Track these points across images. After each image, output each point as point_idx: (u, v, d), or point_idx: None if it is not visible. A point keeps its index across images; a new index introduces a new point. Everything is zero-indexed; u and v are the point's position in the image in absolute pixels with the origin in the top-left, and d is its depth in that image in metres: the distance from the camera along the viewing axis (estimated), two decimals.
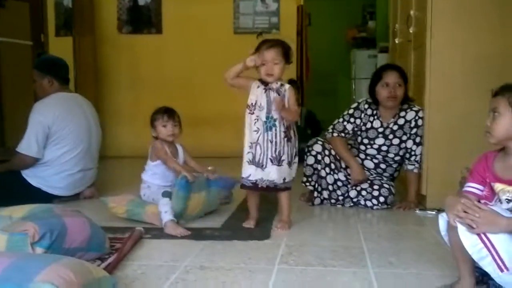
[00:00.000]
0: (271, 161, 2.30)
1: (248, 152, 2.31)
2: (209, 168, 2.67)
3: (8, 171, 2.98)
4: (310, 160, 2.92)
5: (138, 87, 5.52)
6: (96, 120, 3.24)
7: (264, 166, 2.30)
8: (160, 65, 5.50)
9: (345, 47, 8.48)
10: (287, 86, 2.35)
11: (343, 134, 2.94)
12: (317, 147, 2.91)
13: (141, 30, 5.55)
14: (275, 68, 2.28)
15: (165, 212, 2.34)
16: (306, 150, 2.95)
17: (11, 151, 3.08)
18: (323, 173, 2.90)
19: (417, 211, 2.74)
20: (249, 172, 2.32)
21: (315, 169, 2.91)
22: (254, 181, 2.32)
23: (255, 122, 2.31)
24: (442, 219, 1.51)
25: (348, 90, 7.90)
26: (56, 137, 2.98)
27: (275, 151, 2.30)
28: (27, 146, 2.93)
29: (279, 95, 2.31)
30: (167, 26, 5.51)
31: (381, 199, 2.80)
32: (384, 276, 1.74)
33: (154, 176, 2.58)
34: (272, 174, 2.30)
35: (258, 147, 2.30)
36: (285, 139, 2.32)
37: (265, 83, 2.33)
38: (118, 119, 5.44)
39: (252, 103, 2.33)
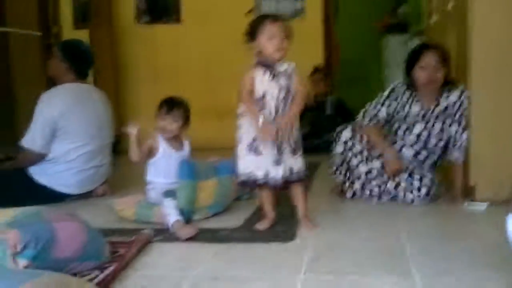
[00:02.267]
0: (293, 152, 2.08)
1: (274, 148, 2.04)
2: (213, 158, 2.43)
3: (13, 170, 2.79)
4: (339, 148, 2.61)
5: (158, 79, 5.30)
6: (108, 114, 3.00)
7: (287, 160, 2.07)
8: (180, 55, 5.26)
9: (376, 33, 8.11)
10: (293, 64, 2.08)
11: (376, 120, 2.61)
12: (347, 133, 2.60)
13: (159, 19, 5.32)
14: (285, 43, 2.00)
15: (169, 214, 2.10)
16: (334, 137, 2.65)
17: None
18: (354, 162, 2.59)
19: (465, 205, 2.40)
20: (276, 172, 2.06)
21: (345, 157, 2.60)
22: (278, 179, 2.06)
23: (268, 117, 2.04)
24: None
25: (379, 77, 7.55)
26: (63, 131, 2.76)
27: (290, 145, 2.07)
28: (31, 140, 2.72)
29: (288, 79, 2.05)
30: (186, 14, 5.26)
31: (423, 190, 2.47)
32: (434, 286, 1.43)
33: (157, 173, 2.34)
34: (299, 163, 2.09)
35: (283, 141, 2.06)
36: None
37: (269, 67, 2.03)
38: (137, 112, 5.23)
39: (259, 97, 2.04)
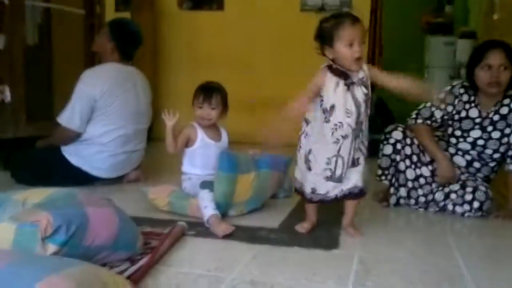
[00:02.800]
0: (349, 167, 1.88)
1: (326, 169, 1.85)
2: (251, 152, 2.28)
3: (49, 148, 2.73)
4: (388, 149, 2.44)
5: (197, 66, 5.20)
6: (148, 99, 2.91)
7: (345, 177, 1.88)
8: (221, 43, 5.15)
9: (418, 33, 7.82)
10: (365, 67, 1.81)
11: (429, 122, 2.43)
12: (397, 134, 2.43)
13: (201, 6, 5.22)
14: (363, 49, 1.76)
15: (205, 207, 1.99)
16: (383, 137, 2.48)
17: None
18: (402, 166, 2.42)
19: None
20: (327, 189, 1.89)
21: (393, 160, 2.44)
22: (331, 196, 1.90)
23: (333, 132, 1.80)
24: None
25: (419, 79, 7.27)
26: (101, 112, 2.68)
27: (351, 157, 1.87)
28: (69, 118, 2.65)
29: (366, 89, 1.81)
30: (229, 2, 5.14)
31: (475, 204, 2.28)
32: None
33: (193, 164, 2.23)
34: (353, 179, 1.88)
35: (340, 160, 1.84)
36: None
37: (344, 75, 1.78)
38: (175, 99, 5.12)
39: (327, 108, 1.80)
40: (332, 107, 1.78)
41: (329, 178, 1.86)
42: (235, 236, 1.86)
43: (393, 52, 7.46)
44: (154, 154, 3.34)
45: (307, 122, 1.88)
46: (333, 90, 1.78)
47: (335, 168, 1.84)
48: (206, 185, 2.08)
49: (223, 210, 2.07)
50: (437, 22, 7.72)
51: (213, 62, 5.13)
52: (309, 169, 1.87)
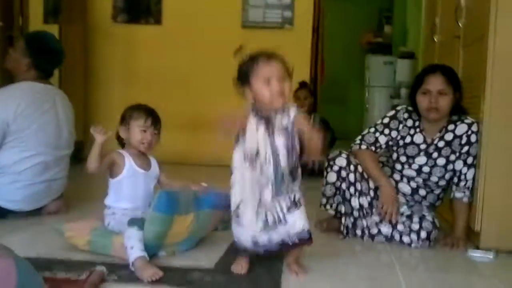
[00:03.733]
0: (288, 210, 1.71)
1: (258, 221, 1.69)
2: (203, 184, 2.07)
3: None
4: (332, 177, 2.30)
5: (133, 84, 4.92)
6: (70, 121, 2.63)
7: (283, 223, 1.70)
8: (158, 60, 4.90)
9: (359, 52, 7.95)
10: (292, 108, 1.66)
11: (373, 148, 2.32)
12: (341, 161, 2.29)
13: (138, 19, 4.96)
14: (285, 87, 1.62)
15: (131, 247, 1.74)
16: (326, 164, 2.34)
17: None
18: (347, 195, 2.28)
19: (469, 252, 2.12)
20: (269, 237, 1.71)
21: (338, 188, 2.29)
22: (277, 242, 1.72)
23: (258, 179, 1.66)
24: None
25: (360, 98, 7.39)
26: (15, 137, 2.38)
27: (289, 199, 1.71)
28: None
29: (287, 131, 1.65)
30: (168, 16, 4.92)
31: (423, 234, 2.18)
32: None
33: (119, 196, 1.98)
34: (298, 222, 1.71)
35: (268, 212, 1.70)
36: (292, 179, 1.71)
37: (265, 119, 1.65)
38: (108, 119, 4.81)
39: (251, 154, 1.65)
40: (257, 153, 1.64)
41: (262, 229, 1.69)
42: (164, 281, 1.64)
43: (335, 71, 7.51)
44: (81, 179, 3.03)
45: (232, 171, 1.72)
46: (254, 132, 1.65)
47: (265, 218, 1.68)
48: (134, 222, 1.84)
49: (152, 252, 1.83)
50: (377, 41, 7.88)
51: (149, 80, 4.88)
52: (241, 224, 1.71)
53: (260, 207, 1.67)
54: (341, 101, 8.15)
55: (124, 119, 2.01)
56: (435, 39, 3.12)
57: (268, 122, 1.64)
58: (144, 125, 1.98)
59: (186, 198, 1.94)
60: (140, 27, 4.95)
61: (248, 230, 1.70)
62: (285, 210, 1.69)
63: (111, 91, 4.94)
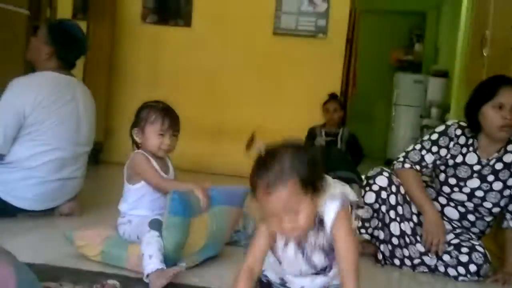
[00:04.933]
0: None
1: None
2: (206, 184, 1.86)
3: None
4: (370, 197, 2.07)
5: (157, 85, 4.77)
6: (91, 116, 2.46)
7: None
8: (184, 62, 4.75)
9: (388, 70, 7.74)
10: (328, 215, 1.20)
11: (418, 167, 2.08)
12: (382, 180, 2.06)
13: (167, 20, 4.83)
14: (299, 220, 1.14)
15: (150, 257, 1.56)
16: (365, 183, 2.12)
17: None
18: (386, 219, 2.05)
19: None
20: (301, 284, 1.32)
21: (376, 210, 2.07)
22: None
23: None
24: None
25: (386, 116, 7.17)
26: (32, 130, 2.22)
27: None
28: None
29: (323, 249, 1.24)
30: (198, 19, 4.77)
31: (472, 268, 1.93)
32: None
33: (138, 205, 1.80)
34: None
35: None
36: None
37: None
38: (128, 119, 4.68)
39: (275, 259, 1.30)
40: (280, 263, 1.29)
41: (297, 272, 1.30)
42: None
43: (362, 86, 7.29)
44: (97, 181, 2.87)
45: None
46: (283, 249, 1.27)
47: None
48: (156, 224, 1.66)
49: (172, 262, 1.65)
50: (407, 59, 7.68)
51: (174, 82, 4.72)
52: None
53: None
54: (367, 118, 7.91)
55: (138, 121, 1.83)
56: (485, 53, 2.90)
57: (299, 242, 1.25)
58: (161, 129, 1.79)
59: (195, 198, 1.76)
60: (169, 28, 4.81)
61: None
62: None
63: (135, 92, 4.79)
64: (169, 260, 1.62)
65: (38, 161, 2.22)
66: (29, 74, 2.38)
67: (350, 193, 1.25)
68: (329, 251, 1.23)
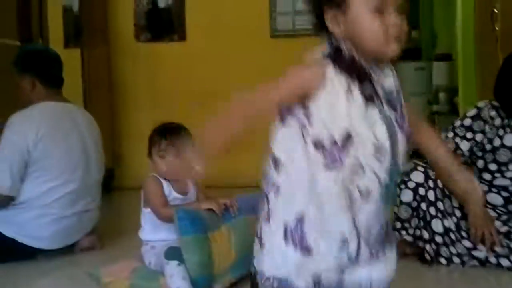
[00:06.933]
0: (373, 254, 0.98)
1: (339, 251, 0.95)
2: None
3: None
4: (407, 195, 1.94)
5: (160, 103, 4.67)
6: (97, 142, 2.34)
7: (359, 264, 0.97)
8: (184, 77, 4.65)
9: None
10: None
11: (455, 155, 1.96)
12: (417, 176, 1.93)
13: (161, 37, 4.74)
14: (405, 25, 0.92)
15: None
16: (399, 180, 1.99)
17: None
18: (427, 216, 1.92)
19: None
20: (339, 278, 0.97)
21: (415, 208, 1.94)
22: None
23: (346, 186, 0.92)
24: None
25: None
26: (38, 166, 2.11)
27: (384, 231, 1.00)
28: None
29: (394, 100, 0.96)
30: (192, 31, 4.68)
31: None
32: None
33: (156, 229, 1.70)
34: (389, 261, 1.01)
35: (357, 237, 0.95)
36: None
37: (361, 72, 0.91)
38: (136, 142, 4.56)
39: (324, 140, 0.91)
40: (348, 137, 0.90)
41: (345, 266, 0.96)
42: None
43: None
44: (112, 211, 2.74)
45: (276, 164, 0.98)
46: (344, 103, 0.90)
47: (357, 249, 0.95)
48: (173, 253, 1.55)
49: (204, 285, 1.54)
50: (405, 48, 7.59)
51: (176, 98, 4.61)
52: (309, 250, 0.94)
53: (351, 232, 0.94)
54: None
55: (148, 146, 1.75)
56: (497, 27, 2.80)
57: (364, 79, 0.91)
58: (160, 149, 1.70)
59: (207, 213, 1.67)
60: (164, 45, 4.72)
61: (322, 260, 0.95)
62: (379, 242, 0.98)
63: (138, 112, 4.70)
64: (200, 283, 1.53)
65: (50, 198, 2.11)
66: (27, 108, 2.24)
67: None
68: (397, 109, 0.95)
